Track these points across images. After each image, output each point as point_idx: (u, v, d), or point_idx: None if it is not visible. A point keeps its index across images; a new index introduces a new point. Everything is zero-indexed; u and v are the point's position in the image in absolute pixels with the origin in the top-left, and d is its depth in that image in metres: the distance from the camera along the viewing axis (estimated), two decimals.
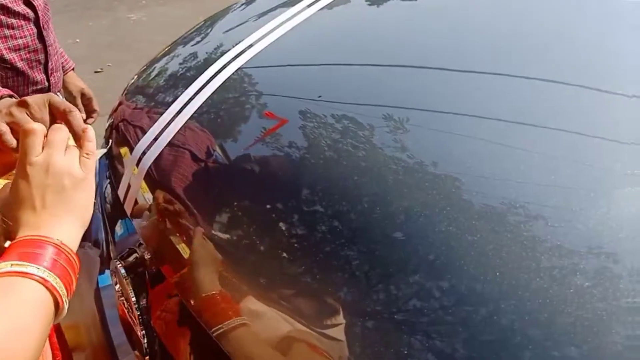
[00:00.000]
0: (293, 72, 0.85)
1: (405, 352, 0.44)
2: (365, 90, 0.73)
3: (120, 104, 0.97)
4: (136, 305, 0.65)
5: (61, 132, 0.57)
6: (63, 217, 0.52)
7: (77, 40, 3.77)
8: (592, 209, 0.50)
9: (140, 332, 0.66)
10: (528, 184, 0.54)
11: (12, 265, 0.47)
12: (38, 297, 0.46)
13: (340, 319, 0.49)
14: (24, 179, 0.53)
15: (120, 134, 0.89)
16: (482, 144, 0.59)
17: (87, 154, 0.57)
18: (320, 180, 0.61)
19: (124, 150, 0.85)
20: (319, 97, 0.72)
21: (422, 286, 0.47)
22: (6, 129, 0.60)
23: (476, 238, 0.49)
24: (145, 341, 0.66)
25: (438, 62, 0.76)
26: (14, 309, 0.45)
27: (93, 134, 0.59)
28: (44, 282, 0.47)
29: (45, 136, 0.55)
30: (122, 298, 0.71)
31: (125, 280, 0.68)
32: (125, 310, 0.70)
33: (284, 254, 0.56)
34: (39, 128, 0.56)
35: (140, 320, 0.66)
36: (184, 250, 0.65)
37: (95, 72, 3.29)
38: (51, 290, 0.47)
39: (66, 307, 0.48)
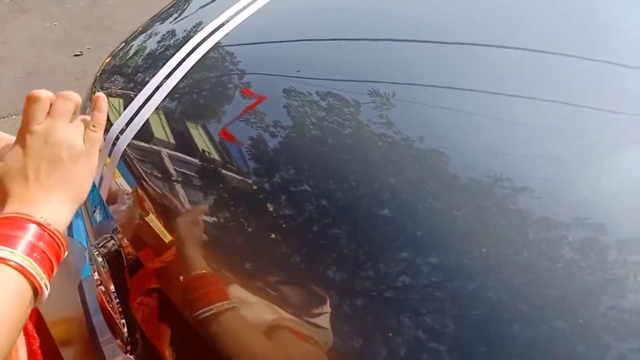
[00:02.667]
0: (271, 48, 0.82)
1: (395, 328, 0.43)
2: (345, 65, 0.70)
3: (93, 86, 0.93)
4: (115, 294, 0.63)
5: (67, 99, 0.53)
6: (54, 191, 0.49)
7: (55, 23, 3.68)
8: (579, 181, 0.49)
9: (120, 321, 0.64)
10: (514, 156, 0.52)
11: None
12: (12, 283, 0.43)
13: (329, 298, 0.47)
14: (22, 148, 0.50)
15: None
16: (467, 117, 0.57)
17: (93, 125, 0.53)
18: (301, 157, 0.59)
19: None
20: (297, 71, 0.69)
21: (410, 263, 0.46)
22: None
23: (463, 213, 0.48)
24: (126, 330, 0.64)
25: (420, 34, 0.73)
26: None
27: (105, 104, 0.55)
28: (19, 268, 0.44)
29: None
30: (101, 287, 0.69)
31: (103, 268, 0.66)
32: (105, 300, 0.68)
33: (271, 235, 0.54)
34: (43, 94, 0.52)
35: (120, 309, 0.64)
36: (163, 234, 0.63)
37: (75, 55, 3.22)
38: (27, 275, 0.44)
39: (46, 291, 0.46)
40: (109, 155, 0.74)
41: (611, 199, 0.48)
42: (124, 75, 0.89)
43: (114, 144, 0.74)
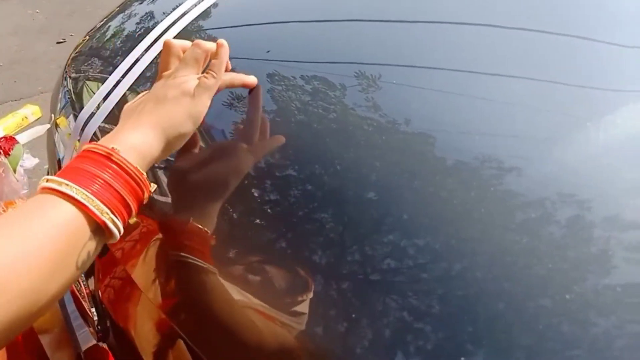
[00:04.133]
0: (246, 29, 0.80)
1: (380, 310, 0.43)
2: (324, 47, 0.69)
3: (64, 73, 0.91)
4: (84, 281, 0.62)
5: (196, 47, 0.53)
6: (144, 124, 0.47)
7: (37, 10, 3.62)
8: (564, 159, 0.48)
9: (89, 309, 0.62)
10: (500, 136, 0.52)
11: (47, 181, 0.42)
12: (59, 216, 0.40)
13: (312, 283, 0.46)
14: (150, 90, 0.51)
15: (65, 104, 0.83)
16: (453, 98, 0.56)
17: (207, 72, 0.52)
18: (284, 139, 0.57)
19: (69, 120, 0.80)
20: (267, 52, 0.67)
21: (396, 246, 0.46)
22: None
23: (449, 194, 0.47)
24: (96, 318, 0.62)
25: (403, 14, 0.71)
26: (31, 229, 0.39)
27: (224, 53, 0.54)
28: (71, 200, 0.41)
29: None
30: None
31: None
32: (75, 288, 0.66)
33: (255, 220, 0.52)
34: (173, 43, 0.53)
35: (88, 293, 0.63)
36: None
37: (58, 42, 3.17)
38: (83, 209, 0.41)
39: (114, 229, 0.42)
40: (79, 140, 0.72)
41: (597, 176, 0.47)
42: (96, 57, 0.87)
43: (83, 127, 0.72)
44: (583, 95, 0.54)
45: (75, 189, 0.41)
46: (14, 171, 0.56)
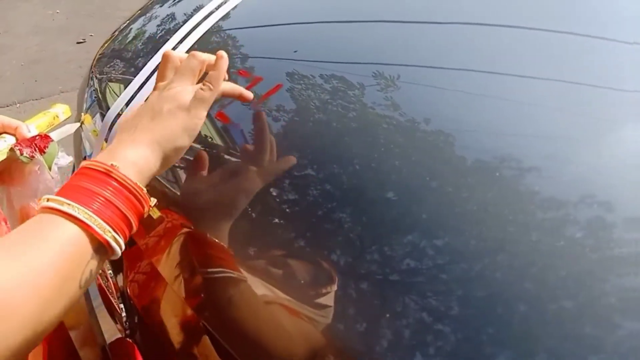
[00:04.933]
0: (270, 29, 0.81)
1: (399, 311, 0.43)
2: (346, 47, 0.69)
3: (90, 73, 0.93)
4: (110, 272, 0.63)
5: (193, 58, 0.53)
6: (142, 141, 0.47)
7: (57, 11, 3.67)
8: (584, 159, 0.48)
9: (117, 305, 0.64)
10: (519, 136, 0.51)
11: (47, 200, 0.42)
12: (62, 235, 0.40)
13: (334, 282, 0.47)
14: (144, 104, 0.51)
15: (92, 104, 0.85)
16: (472, 99, 0.56)
17: (204, 84, 0.52)
18: (301, 139, 0.58)
19: (94, 119, 0.81)
20: (295, 52, 0.68)
21: (415, 246, 0.46)
22: None
23: (469, 194, 0.47)
24: (124, 314, 0.64)
25: (421, 15, 0.72)
26: (33, 252, 0.39)
27: (223, 64, 0.53)
28: (71, 219, 0.41)
29: None
30: None
31: None
32: (103, 284, 0.68)
33: (275, 220, 0.53)
34: (171, 54, 0.54)
35: (117, 289, 0.64)
36: (153, 212, 0.62)
37: (78, 42, 3.21)
38: (84, 227, 0.41)
39: (115, 246, 0.42)
40: (106, 140, 0.73)
41: (616, 177, 0.47)
42: (121, 58, 0.89)
43: (110, 128, 0.73)
44: (604, 96, 0.54)
45: (77, 208, 0.41)
46: (49, 169, 0.58)
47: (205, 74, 0.54)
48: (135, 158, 0.46)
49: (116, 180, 0.43)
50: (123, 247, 0.43)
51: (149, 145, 0.47)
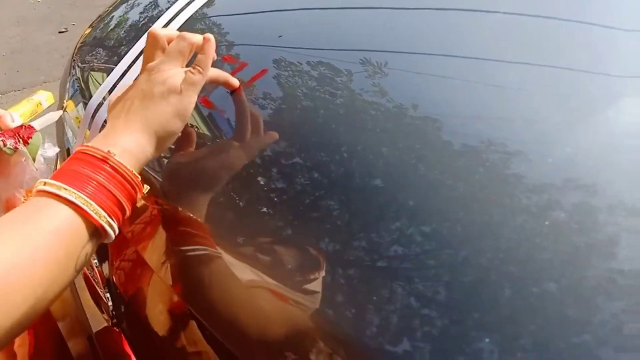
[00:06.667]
0: (254, 15, 0.80)
1: (387, 297, 0.43)
2: (331, 32, 0.69)
3: (72, 62, 0.91)
4: (95, 261, 0.62)
5: (179, 41, 0.52)
6: (134, 126, 0.47)
7: (39, 0, 3.61)
8: (570, 142, 0.48)
9: (104, 294, 0.63)
10: (507, 120, 0.52)
11: (45, 184, 0.42)
12: (57, 218, 0.41)
13: (321, 269, 0.47)
14: (133, 85, 0.50)
15: (75, 94, 0.84)
16: (458, 83, 0.56)
17: (193, 67, 0.51)
18: (287, 124, 0.58)
19: (77, 107, 0.80)
20: (280, 36, 0.68)
21: (402, 232, 0.46)
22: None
23: (456, 180, 0.47)
24: (111, 303, 0.63)
25: (408, 1, 0.72)
26: (28, 234, 0.40)
27: (210, 48, 0.53)
28: (67, 202, 0.41)
29: None
30: None
31: None
32: (88, 274, 0.67)
33: (263, 209, 0.53)
34: (158, 33, 0.52)
35: (102, 278, 0.63)
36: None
37: (60, 32, 3.17)
38: (79, 212, 0.41)
39: (109, 230, 0.43)
40: (89, 128, 0.73)
41: (602, 160, 0.47)
42: (103, 46, 0.87)
43: (93, 116, 0.72)
44: (594, 81, 0.55)
45: (74, 193, 0.42)
46: (34, 160, 0.57)
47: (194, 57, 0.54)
48: (129, 145, 0.46)
49: (111, 166, 0.44)
50: (117, 231, 0.44)
51: (142, 131, 0.48)
